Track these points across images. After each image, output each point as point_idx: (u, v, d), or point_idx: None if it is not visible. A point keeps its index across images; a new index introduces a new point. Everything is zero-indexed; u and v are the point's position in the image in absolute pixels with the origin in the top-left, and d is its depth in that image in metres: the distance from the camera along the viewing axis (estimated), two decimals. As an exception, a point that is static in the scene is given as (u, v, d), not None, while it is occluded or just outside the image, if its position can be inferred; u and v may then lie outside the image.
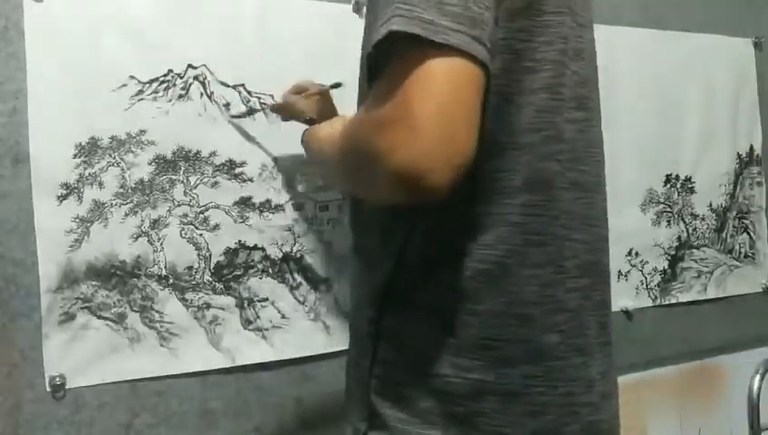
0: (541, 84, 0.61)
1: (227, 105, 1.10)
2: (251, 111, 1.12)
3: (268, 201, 1.13)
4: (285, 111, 1.08)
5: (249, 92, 1.12)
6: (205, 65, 1.09)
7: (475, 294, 0.62)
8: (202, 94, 1.09)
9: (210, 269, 1.09)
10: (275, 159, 1.12)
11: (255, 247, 1.12)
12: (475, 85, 0.54)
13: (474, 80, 0.54)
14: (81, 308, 1.00)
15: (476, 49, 0.53)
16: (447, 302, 0.62)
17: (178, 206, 1.07)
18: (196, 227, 1.08)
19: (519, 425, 0.61)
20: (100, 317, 1.01)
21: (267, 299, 1.12)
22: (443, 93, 0.52)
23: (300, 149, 0.99)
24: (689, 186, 1.56)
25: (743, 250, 1.64)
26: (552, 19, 0.62)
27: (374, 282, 0.68)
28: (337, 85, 1.01)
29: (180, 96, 1.07)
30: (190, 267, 1.07)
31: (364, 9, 1.20)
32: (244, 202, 1.11)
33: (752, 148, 1.66)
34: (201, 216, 1.08)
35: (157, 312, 1.05)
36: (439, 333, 0.62)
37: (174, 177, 1.07)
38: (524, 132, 0.61)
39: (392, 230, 0.66)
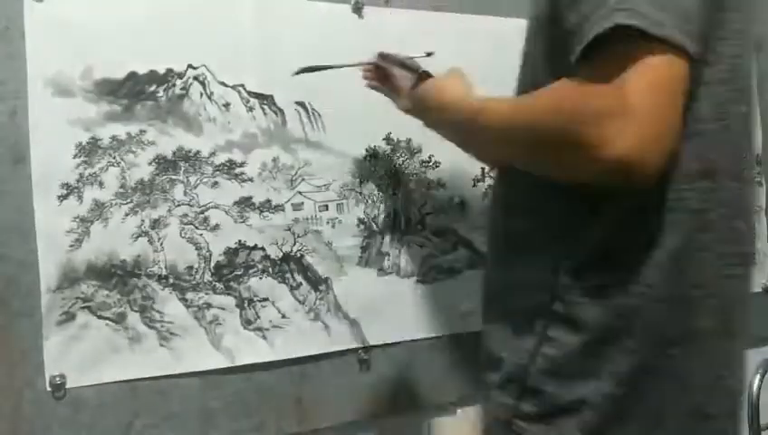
0: (718, 77, 0.64)
1: (227, 105, 1.10)
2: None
3: (268, 201, 1.13)
4: (385, 83, 1.07)
5: (249, 92, 1.12)
6: (205, 65, 1.09)
7: (650, 278, 0.64)
8: (202, 94, 1.09)
9: (210, 269, 1.09)
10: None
11: (255, 247, 1.12)
12: (684, 79, 0.58)
13: (683, 74, 0.58)
14: (82, 308, 1.00)
15: (688, 44, 0.56)
16: (621, 285, 0.65)
17: (178, 206, 1.07)
18: (197, 227, 1.08)
19: (672, 403, 0.65)
20: (100, 317, 1.02)
21: (267, 299, 1.12)
22: (659, 89, 0.56)
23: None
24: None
25: (743, 250, 1.64)
26: (731, 15, 0.64)
27: (540, 264, 0.69)
28: (429, 54, 1.03)
29: (180, 96, 1.07)
30: (190, 267, 1.07)
31: (364, 9, 1.21)
32: (244, 202, 1.11)
33: (752, 148, 1.65)
34: (201, 216, 1.08)
35: (157, 312, 1.05)
36: (612, 318, 0.65)
37: (174, 177, 1.07)
38: (705, 121, 0.64)
39: (567, 216, 0.68)
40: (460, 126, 0.80)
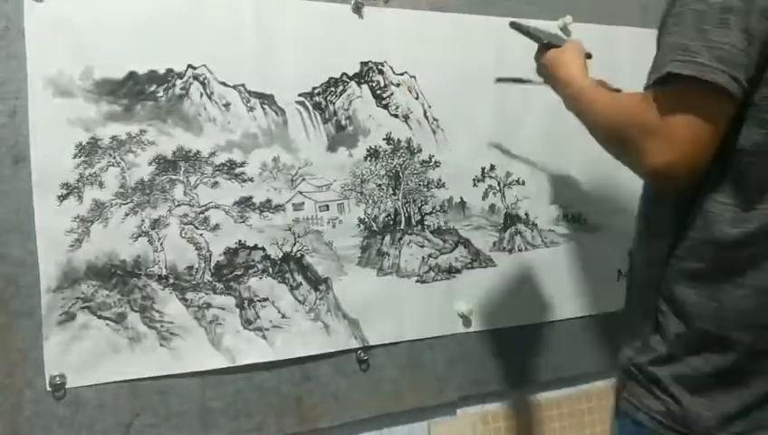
0: None
1: (227, 105, 1.10)
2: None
3: (268, 201, 1.13)
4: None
5: (249, 92, 1.12)
6: (205, 65, 1.09)
7: (741, 270, 0.77)
8: (202, 94, 1.09)
9: (210, 269, 1.09)
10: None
11: (255, 247, 1.12)
12: (723, 116, 0.73)
13: (723, 112, 0.72)
14: (82, 308, 1.01)
15: (733, 86, 0.70)
16: (714, 275, 0.78)
17: (178, 206, 1.07)
18: (197, 227, 1.08)
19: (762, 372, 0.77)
20: (100, 317, 1.02)
21: (267, 299, 1.12)
22: (697, 123, 0.71)
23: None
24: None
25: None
26: None
27: (655, 247, 0.84)
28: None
29: (180, 96, 1.07)
30: (190, 267, 1.07)
31: (364, 9, 1.21)
32: (245, 202, 1.11)
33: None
34: (201, 216, 1.08)
35: (157, 312, 1.05)
36: (705, 299, 0.78)
37: (174, 177, 1.07)
38: None
39: (665, 218, 0.83)
40: (567, 102, 0.96)
